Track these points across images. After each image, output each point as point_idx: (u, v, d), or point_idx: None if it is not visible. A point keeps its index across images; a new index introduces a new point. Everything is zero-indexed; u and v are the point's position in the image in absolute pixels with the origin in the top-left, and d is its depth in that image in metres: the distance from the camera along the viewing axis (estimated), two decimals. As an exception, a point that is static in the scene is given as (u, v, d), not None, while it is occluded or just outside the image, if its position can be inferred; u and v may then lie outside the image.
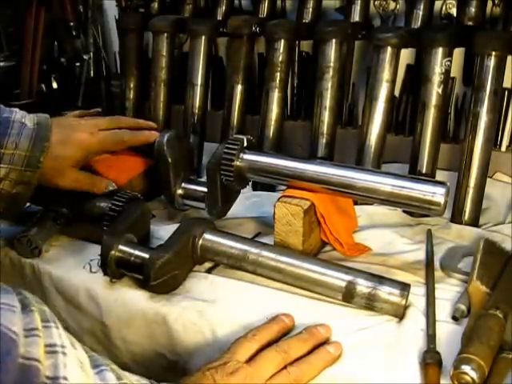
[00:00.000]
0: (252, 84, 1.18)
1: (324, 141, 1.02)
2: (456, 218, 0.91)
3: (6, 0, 1.40)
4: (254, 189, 1.05)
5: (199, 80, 1.14)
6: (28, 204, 0.91)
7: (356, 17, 1.09)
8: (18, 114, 0.76)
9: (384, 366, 0.60)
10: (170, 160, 0.88)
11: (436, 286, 0.72)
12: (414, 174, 0.93)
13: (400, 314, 0.67)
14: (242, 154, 0.83)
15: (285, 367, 0.59)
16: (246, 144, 0.84)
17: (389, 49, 0.93)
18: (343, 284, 0.69)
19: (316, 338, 0.63)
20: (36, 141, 0.75)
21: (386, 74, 0.94)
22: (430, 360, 0.59)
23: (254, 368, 0.59)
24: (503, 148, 1.04)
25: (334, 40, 0.99)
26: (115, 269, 0.74)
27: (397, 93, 1.06)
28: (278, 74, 1.06)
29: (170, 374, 0.70)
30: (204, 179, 0.88)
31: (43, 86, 1.41)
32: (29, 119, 0.76)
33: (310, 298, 0.72)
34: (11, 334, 0.40)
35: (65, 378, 0.42)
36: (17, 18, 1.41)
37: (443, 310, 0.67)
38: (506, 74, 0.89)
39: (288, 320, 0.66)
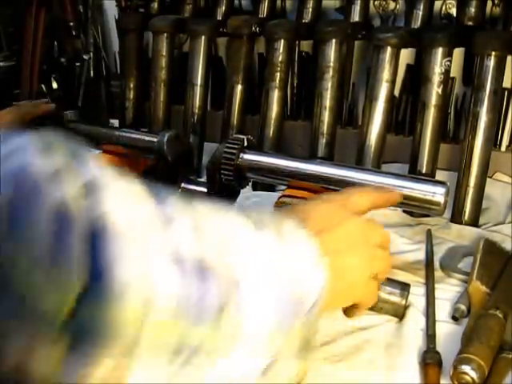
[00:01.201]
0: (252, 84, 1.18)
1: (324, 141, 1.02)
2: (456, 217, 0.90)
3: (6, 0, 1.40)
4: (254, 189, 1.05)
5: (199, 80, 1.14)
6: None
7: (356, 17, 1.08)
8: None
9: (384, 366, 0.60)
10: (169, 160, 0.88)
11: (436, 286, 0.72)
12: (413, 173, 0.93)
13: (400, 314, 0.66)
14: (242, 154, 0.82)
15: None
16: (246, 144, 0.83)
17: (389, 49, 0.93)
18: (343, 284, 0.69)
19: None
20: None
21: (385, 74, 0.94)
22: (430, 360, 0.59)
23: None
24: (503, 148, 1.04)
25: (333, 40, 0.99)
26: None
27: (397, 93, 1.06)
28: (278, 73, 1.06)
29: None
30: (204, 179, 0.88)
31: (43, 86, 1.41)
32: None
33: (310, 297, 0.71)
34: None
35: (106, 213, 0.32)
36: (17, 18, 1.41)
37: (443, 310, 0.67)
38: (506, 74, 0.89)
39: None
